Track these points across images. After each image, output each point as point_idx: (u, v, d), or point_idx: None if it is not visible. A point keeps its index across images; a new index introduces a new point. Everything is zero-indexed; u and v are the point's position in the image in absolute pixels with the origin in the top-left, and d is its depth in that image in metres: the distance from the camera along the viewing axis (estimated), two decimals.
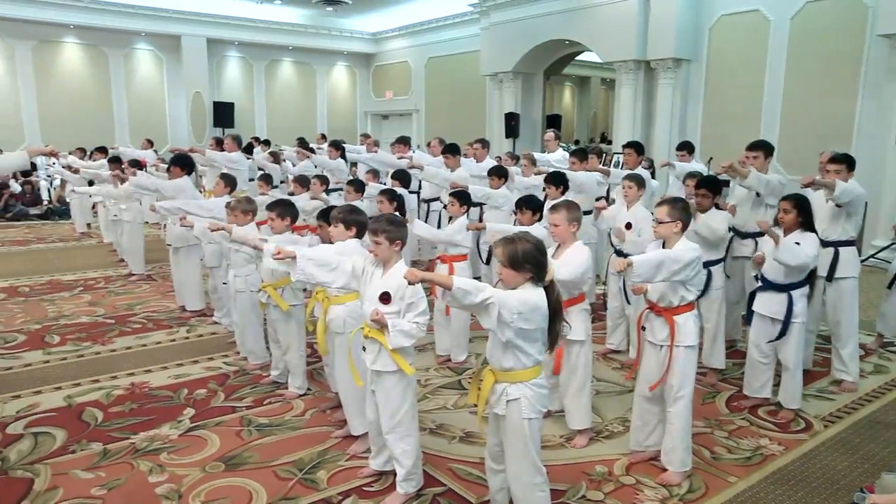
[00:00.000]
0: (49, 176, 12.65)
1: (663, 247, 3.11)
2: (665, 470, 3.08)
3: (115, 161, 7.89)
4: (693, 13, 10.03)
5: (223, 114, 15.43)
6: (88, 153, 10.48)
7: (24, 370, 4.39)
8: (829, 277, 4.21)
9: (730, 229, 4.55)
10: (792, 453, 3.35)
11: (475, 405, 2.63)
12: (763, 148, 4.71)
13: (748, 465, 3.22)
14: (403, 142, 8.27)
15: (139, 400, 3.93)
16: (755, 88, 9.41)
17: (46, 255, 8.58)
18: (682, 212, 3.06)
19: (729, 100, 9.77)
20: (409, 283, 2.40)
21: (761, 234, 4.33)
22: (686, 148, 6.20)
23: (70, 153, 10.74)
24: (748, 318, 3.88)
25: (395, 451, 2.82)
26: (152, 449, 3.31)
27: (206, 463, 3.17)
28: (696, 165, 5.92)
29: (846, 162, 4.28)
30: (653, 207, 4.52)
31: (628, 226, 4.38)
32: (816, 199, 4.26)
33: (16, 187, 12.06)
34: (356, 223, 3.17)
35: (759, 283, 3.75)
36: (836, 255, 4.20)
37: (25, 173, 12.23)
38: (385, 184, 6.67)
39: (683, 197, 3.94)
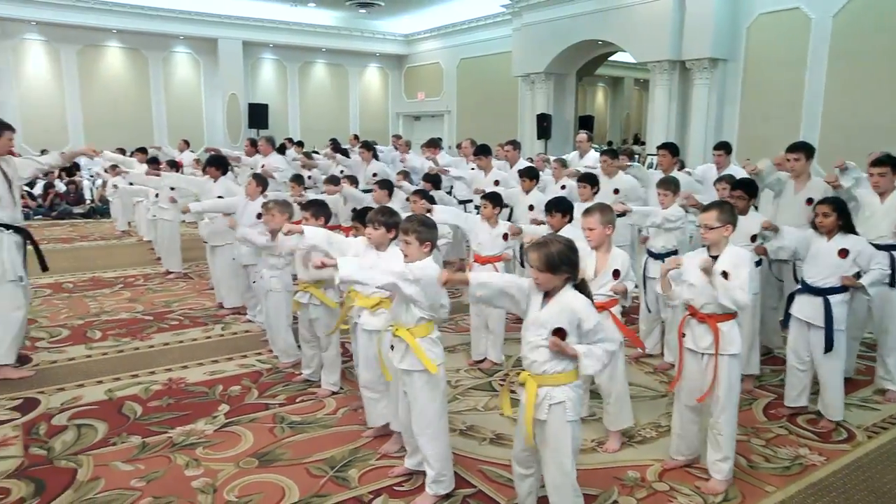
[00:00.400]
0: (92, 176, 13.04)
1: (708, 251, 3.04)
2: (707, 479, 3.03)
3: (154, 162, 8.11)
4: (730, 12, 9.85)
5: (258, 115, 15.71)
6: (129, 153, 10.76)
7: (68, 364, 4.54)
8: (892, 283, 4.04)
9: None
10: (833, 464, 3.25)
11: (506, 414, 2.63)
12: (804, 149, 4.59)
13: (787, 475, 3.14)
14: (433, 144, 8.30)
15: (176, 395, 4.02)
16: (795, 88, 9.19)
17: (89, 252, 8.85)
18: (730, 214, 3.02)
19: (767, 100, 9.56)
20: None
21: None
22: (724, 148, 6.07)
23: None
24: (785, 321, 3.79)
25: (427, 452, 2.83)
26: (188, 443, 3.38)
27: (240, 458, 3.23)
28: (734, 169, 5.78)
29: (890, 164, 4.14)
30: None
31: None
32: (873, 199, 4.14)
33: (60, 187, 12.45)
34: (396, 225, 3.17)
35: (800, 286, 3.67)
36: (893, 261, 4.04)
37: (70, 173, 12.64)
38: (417, 184, 6.70)
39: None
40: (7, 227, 4.14)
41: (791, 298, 3.76)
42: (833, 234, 3.55)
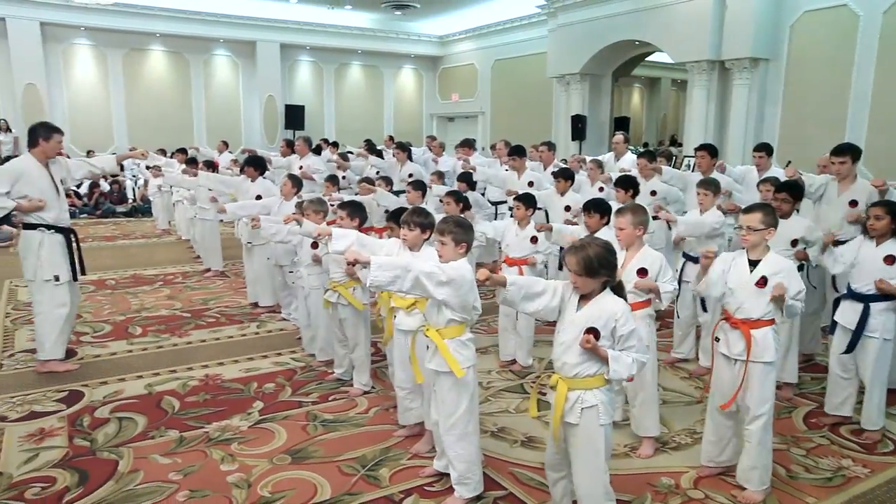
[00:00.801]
0: (134, 176, 13.43)
1: (747, 253, 2.97)
2: (742, 488, 2.95)
3: (192, 162, 8.31)
4: (773, 10, 9.61)
5: (294, 116, 15.94)
6: (169, 154, 11.04)
7: (110, 358, 4.67)
8: None
9: None
10: (878, 477, 3.14)
11: (532, 415, 2.60)
12: (850, 152, 4.45)
13: (828, 487, 3.05)
14: (467, 144, 8.29)
15: (212, 391, 4.10)
16: (840, 89, 8.91)
17: (130, 250, 9.11)
18: (773, 217, 2.95)
19: (811, 101, 9.30)
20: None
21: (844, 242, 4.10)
22: (765, 149, 5.93)
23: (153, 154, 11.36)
24: (832, 328, 3.68)
25: (450, 453, 2.83)
26: (224, 439, 3.44)
27: (273, 455, 3.28)
28: (776, 171, 5.65)
29: None
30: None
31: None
32: None
33: (105, 186, 12.86)
34: (430, 226, 3.16)
35: (846, 291, 3.56)
36: None
37: (113, 173, 13.04)
38: (451, 185, 6.71)
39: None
40: (49, 227, 4.28)
41: (836, 304, 3.66)
42: (884, 240, 3.44)
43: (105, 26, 14.07)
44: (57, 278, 4.29)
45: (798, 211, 4.17)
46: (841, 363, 3.59)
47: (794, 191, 4.08)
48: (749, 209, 3.02)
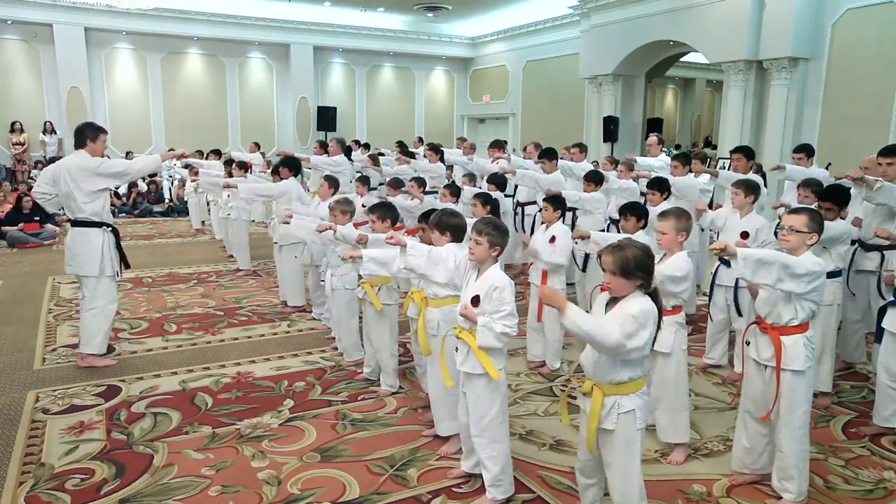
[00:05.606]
0: (171, 176, 13.74)
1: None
2: (778, 497, 2.88)
3: (229, 163, 8.47)
4: (814, 8, 9.35)
5: (326, 118, 16.12)
6: (205, 155, 11.27)
7: (147, 354, 4.79)
8: None
9: (853, 241, 4.21)
10: None
11: (564, 423, 2.56)
12: None
13: (869, 499, 2.95)
14: (498, 145, 8.26)
15: (244, 388, 4.17)
16: (886, 90, 8.62)
17: (166, 249, 9.32)
18: (819, 225, 2.84)
19: (853, 102, 9.01)
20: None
21: (890, 247, 3.99)
22: (804, 151, 5.77)
23: (190, 155, 11.63)
24: (877, 336, 3.55)
25: (482, 455, 2.82)
26: (255, 436, 3.50)
27: (303, 452, 3.31)
28: (818, 171, 5.49)
29: None
30: (765, 214, 4.25)
31: (745, 235, 4.14)
32: None
33: (143, 186, 13.19)
34: (450, 227, 3.15)
35: (893, 297, 3.43)
36: None
37: (151, 173, 13.38)
38: (481, 187, 6.70)
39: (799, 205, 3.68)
40: (106, 224, 4.41)
41: (883, 311, 3.51)
42: None
43: (145, 30, 14.45)
44: (117, 274, 4.48)
45: (841, 217, 4.04)
46: (889, 372, 3.45)
47: (838, 197, 3.95)
48: (796, 210, 2.92)
